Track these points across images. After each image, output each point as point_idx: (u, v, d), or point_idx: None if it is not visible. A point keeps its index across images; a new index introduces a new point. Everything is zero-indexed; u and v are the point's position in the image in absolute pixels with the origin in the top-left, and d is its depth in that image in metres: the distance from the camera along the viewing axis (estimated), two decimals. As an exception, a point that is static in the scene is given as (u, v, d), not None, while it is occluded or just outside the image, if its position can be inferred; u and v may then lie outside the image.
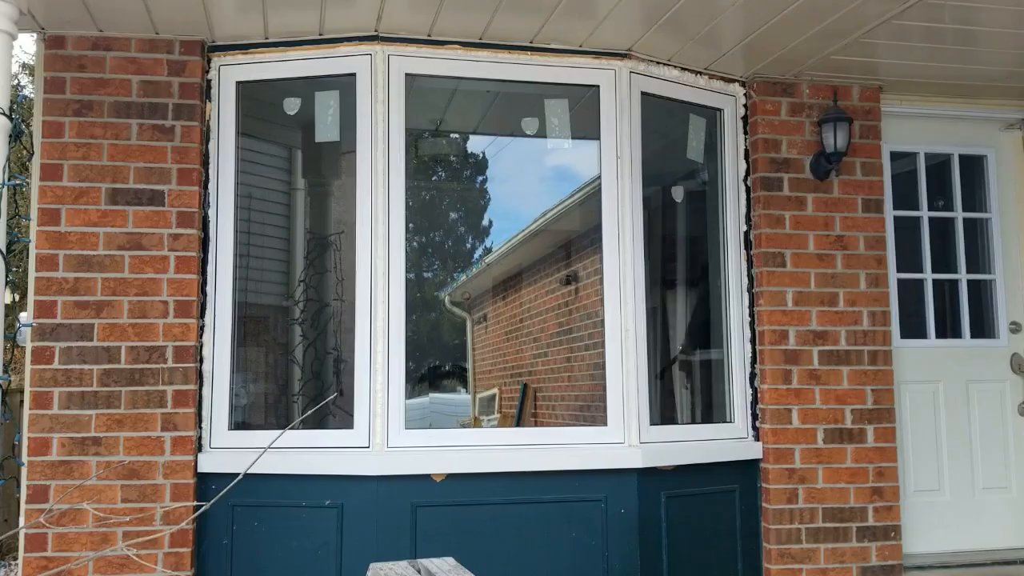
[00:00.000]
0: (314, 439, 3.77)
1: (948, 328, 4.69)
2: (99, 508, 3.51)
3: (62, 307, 3.62)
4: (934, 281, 4.63)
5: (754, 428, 4.23)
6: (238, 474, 2.66)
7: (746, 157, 4.37)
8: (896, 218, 4.55)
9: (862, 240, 4.31)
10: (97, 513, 3.46)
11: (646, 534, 3.85)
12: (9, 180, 2.57)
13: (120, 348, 3.63)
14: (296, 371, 4.88)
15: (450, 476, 3.70)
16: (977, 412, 4.58)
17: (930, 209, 4.67)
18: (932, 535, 4.41)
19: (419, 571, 2.51)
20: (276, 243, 5.02)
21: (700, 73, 4.26)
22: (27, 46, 12.56)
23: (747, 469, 4.18)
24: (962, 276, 4.67)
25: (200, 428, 3.73)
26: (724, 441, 4.19)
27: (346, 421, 3.72)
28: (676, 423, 5.09)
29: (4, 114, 2.55)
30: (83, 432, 3.57)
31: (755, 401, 4.24)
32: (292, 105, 4.11)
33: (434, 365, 7.30)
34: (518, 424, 6.74)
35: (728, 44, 3.96)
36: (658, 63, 4.14)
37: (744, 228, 4.34)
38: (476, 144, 5.72)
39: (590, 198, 4.35)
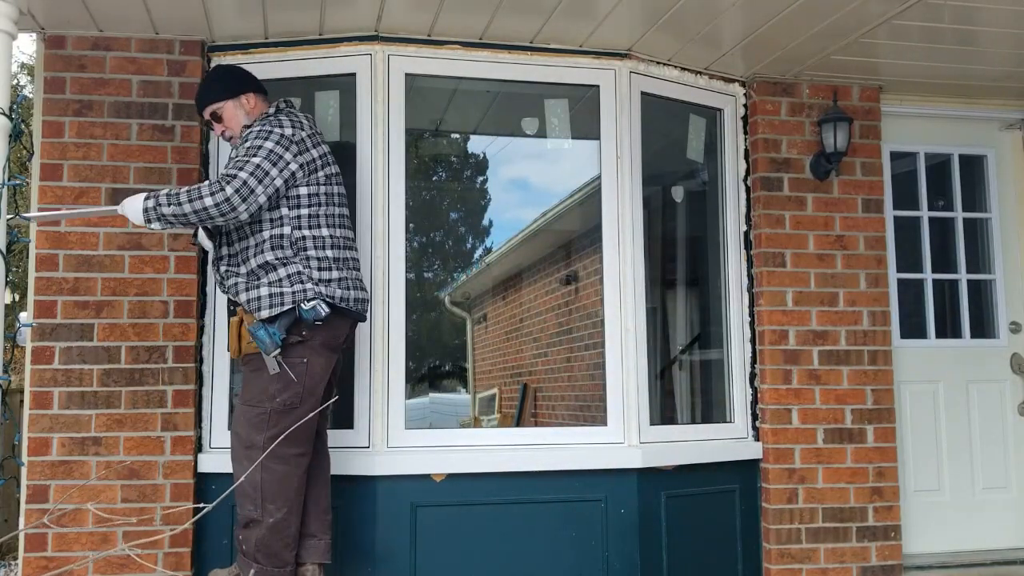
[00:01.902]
0: (314, 439, 3.77)
1: (948, 328, 4.69)
2: (99, 508, 3.51)
3: (62, 307, 3.61)
4: (934, 281, 4.63)
5: (754, 428, 4.23)
6: (238, 474, 2.66)
7: (746, 157, 4.37)
8: (896, 218, 4.55)
9: (862, 240, 4.31)
10: (97, 513, 3.46)
11: (646, 534, 3.85)
12: (9, 180, 2.57)
13: (120, 348, 3.63)
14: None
15: (450, 476, 3.70)
16: (977, 412, 4.57)
17: (930, 209, 4.67)
18: (932, 535, 4.41)
19: None
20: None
21: (700, 73, 4.26)
22: (27, 46, 12.57)
23: (747, 469, 4.18)
24: (962, 276, 4.67)
25: (200, 428, 3.73)
26: (724, 441, 4.19)
27: (346, 421, 3.72)
28: (676, 423, 5.08)
29: (4, 114, 2.55)
30: (83, 432, 3.57)
31: (755, 401, 4.24)
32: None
33: (434, 365, 7.30)
34: (518, 424, 6.73)
35: (728, 44, 3.96)
36: (658, 63, 4.14)
37: (744, 228, 4.34)
38: (476, 144, 5.72)
39: (590, 198, 4.34)
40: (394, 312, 3.78)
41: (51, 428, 3.56)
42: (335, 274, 3.18)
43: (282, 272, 3.12)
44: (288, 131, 3.17)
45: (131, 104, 3.74)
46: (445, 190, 6.24)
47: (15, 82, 10.80)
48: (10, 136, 2.61)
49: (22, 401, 3.76)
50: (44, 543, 3.51)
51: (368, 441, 3.70)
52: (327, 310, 3.10)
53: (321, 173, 3.23)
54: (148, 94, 3.75)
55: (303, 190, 3.18)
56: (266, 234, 3.16)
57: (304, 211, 3.18)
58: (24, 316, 3.84)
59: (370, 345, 3.74)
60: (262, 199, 3.07)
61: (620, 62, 4.04)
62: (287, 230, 3.16)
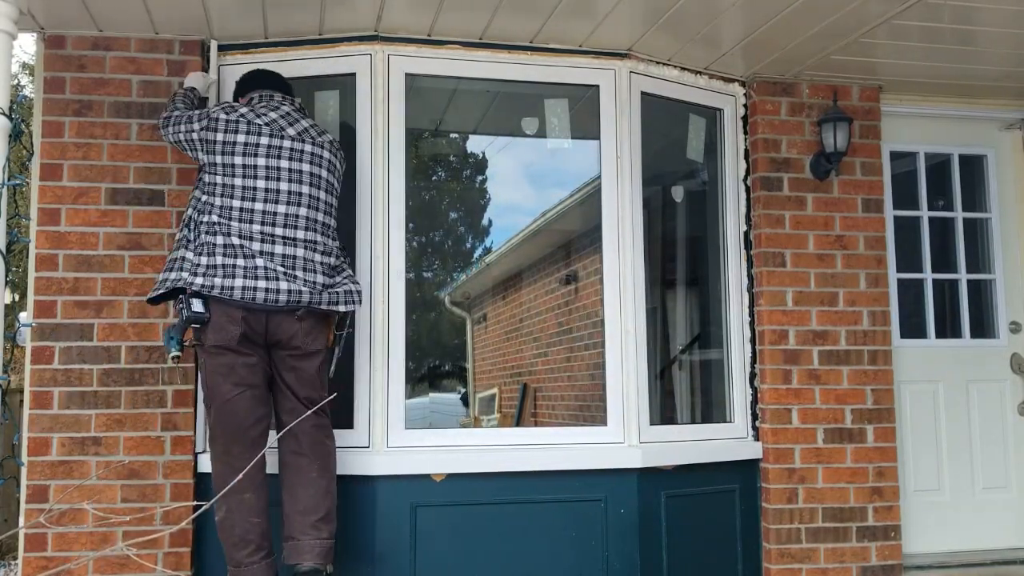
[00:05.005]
0: (314, 439, 3.76)
1: (948, 328, 4.68)
2: (99, 508, 3.51)
3: (62, 307, 3.61)
4: (934, 281, 4.63)
5: (754, 428, 4.23)
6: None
7: (746, 157, 4.37)
8: (896, 218, 4.55)
9: (862, 240, 4.31)
10: (97, 513, 3.46)
11: (646, 534, 3.85)
12: (9, 180, 2.57)
13: (120, 348, 3.63)
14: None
15: (450, 476, 3.70)
16: (977, 412, 4.57)
17: (930, 209, 4.67)
18: (932, 535, 4.41)
19: None
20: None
21: (700, 73, 4.26)
22: (27, 46, 12.57)
23: (747, 469, 4.18)
24: (962, 276, 4.67)
25: (199, 428, 3.72)
26: (724, 441, 4.19)
27: (346, 421, 3.72)
28: (676, 423, 5.08)
29: (4, 114, 2.55)
30: (83, 432, 3.57)
31: (755, 401, 4.24)
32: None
33: (434, 365, 7.30)
34: (518, 424, 6.73)
35: (728, 44, 3.96)
36: (658, 63, 4.14)
37: (744, 228, 4.34)
38: (476, 144, 5.71)
39: (590, 198, 4.34)
40: (394, 312, 3.78)
41: (51, 428, 3.55)
42: (218, 259, 3.14)
43: (177, 254, 3.23)
44: (212, 110, 3.35)
45: (131, 104, 3.74)
46: (445, 190, 6.24)
47: (15, 82, 10.79)
48: (10, 136, 2.61)
49: (22, 401, 3.76)
50: (44, 543, 3.51)
51: (368, 441, 3.70)
52: (195, 310, 3.09)
53: (219, 159, 3.25)
54: (148, 94, 3.75)
55: (205, 177, 3.28)
56: (187, 214, 3.32)
57: (204, 197, 3.25)
58: (24, 316, 3.83)
59: (370, 345, 3.74)
60: (171, 136, 3.39)
61: (620, 62, 4.04)
62: (192, 213, 3.28)
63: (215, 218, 3.19)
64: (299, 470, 3.27)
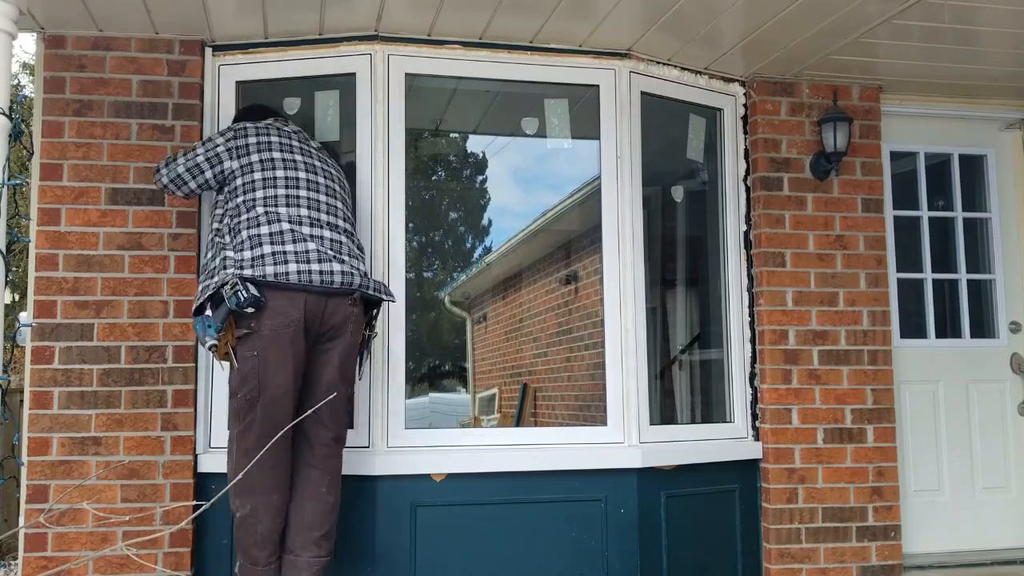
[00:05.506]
0: (314, 439, 3.76)
1: (948, 328, 4.68)
2: (99, 508, 3.51)
3: (62, 307, 3.62)
4: (934, 281, 4.63)
5: (754, 428, 4.23)
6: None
7: (746, 157, 4.37)
8: (896, 218, 4.55)
9: (862, 240, 4.31)
10: (97, 513, 3.46)
11: (646, 534, 3.85)
12: (9, 180, 2.57)
13: (120, 348, 3.63)
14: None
15: (449, 476, 3.70)
16: (977, 412, 4.57)
17: (930, 209, 4.67)
18: (932, 535, 4.41)
19: None
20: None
21: (700, 73, 4.26)
22: (27, 46, 12.56)
23: (747, 469, 4.17)
24: (962, 276, 4.67)
25: (200, 428, 3.72)
26: (724, 441, 4.19)
27: (346, 421, 3.72)
28: (676, 423, 5.09)
29: (4, 114, 2.55)
30: (83, 432, 3.57)
31: (755, 401, 4.24)
32: (292, 105, 4.10)
33: (434, 365, 7.29)
34: (518, 424, 6.73)
35: (728, 44, 3.96)
36: (658, 63, 4.14)
37: (744, 228, 4.34)
38: (476, 144, 5.72)
39: (590, 198, 4.34)
40: (394, 312, 3.78)
41: (51, 428, 3.55)
42: (267, 248, 3.10)
43: (216, 262, 3.17)
44: (228, 128, 3.41)
45: (131, 104, 3.74)
46: (445, 190, 6.24)
47: (15, 82, 10.79)
48: (10, 136, 2.61)
49: (22, 401, 3.76)
50: (44, 543, 3.51)
51: (368, 441, 3.70)
52: (252, 292, 2.97)
53: (255, 157, 3.28)
54: (148, 94, 3.75)
55: (238, 181, 3.26)
56: (213, 228, 3.29)
57: (240, 198, 3.24)
58: (24, 316, 3.83)
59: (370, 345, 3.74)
60: (180, 169, 3.35)
61: (620, 62, 4.04)
62: (226, 220, 3.24)
63: (259, 210, 3.19)
64: (309, 482, 3.22)
